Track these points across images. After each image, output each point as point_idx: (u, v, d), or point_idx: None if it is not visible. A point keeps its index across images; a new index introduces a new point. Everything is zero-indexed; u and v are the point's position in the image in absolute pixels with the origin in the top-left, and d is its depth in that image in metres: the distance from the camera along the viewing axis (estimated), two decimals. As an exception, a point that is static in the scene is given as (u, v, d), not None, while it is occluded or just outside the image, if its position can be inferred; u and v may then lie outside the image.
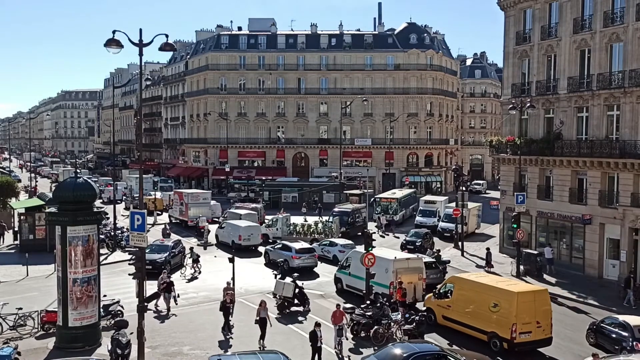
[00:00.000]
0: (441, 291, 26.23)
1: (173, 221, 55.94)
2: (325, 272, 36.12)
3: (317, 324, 21.36)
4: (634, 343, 21.61)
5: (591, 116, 35.49)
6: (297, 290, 27.83)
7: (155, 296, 27.87)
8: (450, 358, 18.73)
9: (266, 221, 48.62)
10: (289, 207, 62.03)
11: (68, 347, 21.99)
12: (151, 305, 27.11)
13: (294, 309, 27.79)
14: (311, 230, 46.38)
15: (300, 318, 26.77)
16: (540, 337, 22.63)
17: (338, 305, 23.34)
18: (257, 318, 23.20)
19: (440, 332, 25.04)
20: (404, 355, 18.25)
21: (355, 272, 30.10)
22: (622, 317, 23.88)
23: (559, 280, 34.67)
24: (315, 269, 36.77)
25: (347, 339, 22.88)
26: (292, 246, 37.32)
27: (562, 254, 37.95)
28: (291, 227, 46.71)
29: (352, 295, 30.30)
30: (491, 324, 22.96)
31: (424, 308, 26.94)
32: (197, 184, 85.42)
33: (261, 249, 42.37)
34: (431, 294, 27.05)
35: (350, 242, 40.80)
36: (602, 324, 23.87)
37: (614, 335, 22.73)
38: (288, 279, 28.60)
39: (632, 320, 23.17)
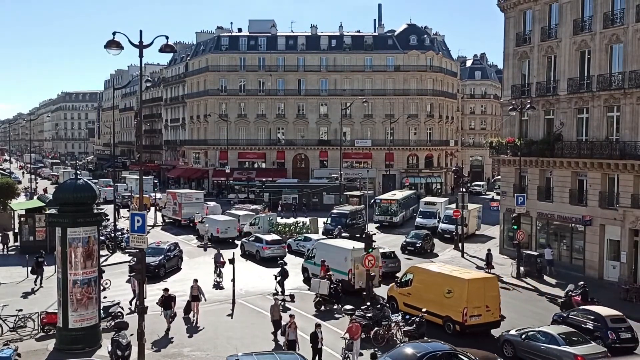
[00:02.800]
0: (402, 280, 28.09)
1: (167, 220, 57.19)
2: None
3: (318, 325, 21.32)
4: (608, 332, 22.72)
5: (591, 117, 35.48)
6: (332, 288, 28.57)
7: (190, 303, 26.70)
8: (461, 356, 19.03)
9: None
10: (288, 208, 62.49)
11: (68, 348, 22.02)
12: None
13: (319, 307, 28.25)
14: (291, 229, 47.39)
15: (337, 315, 26.86)
16: (489, 319, 24.76)
17: (353, 319, 22.22)
18: (285, 341, 21.43)
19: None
20: (418, 354, 18.54)
21: (320, 262, 32.42)
22: (592, 308, 24.90)
23: (559, 281, 34.64)
24: (292, 265, 37.31)
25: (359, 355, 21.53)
26: (263, 238, 41.19)
27: (562, 255, 37.93)
28: (273, 226, 47.68)
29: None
30: (445, 308, 24.85)
31: (387, 296, 28.76)
32: (197, 185, 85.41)
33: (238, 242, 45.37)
34: (393, 283, 28.96)
35: (323, 237, 43.48)
36: (570, 316, 24.76)
37: (583, 326, 23.50)
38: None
39: (603, 310, 24.28)
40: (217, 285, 32.84)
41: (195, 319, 26.26)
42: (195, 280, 27.35)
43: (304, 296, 30.85)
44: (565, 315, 25.17)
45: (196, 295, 26.69)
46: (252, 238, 42.43)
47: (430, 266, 28.75)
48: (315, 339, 20.88)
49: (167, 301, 25.17)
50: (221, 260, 33.90)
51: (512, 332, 23.16)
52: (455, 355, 19.03)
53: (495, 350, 22.50)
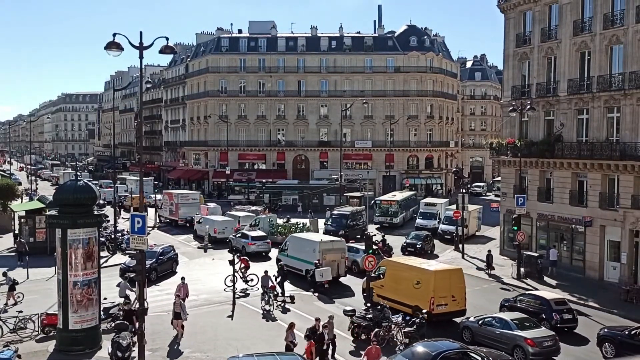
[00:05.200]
0: (375, 273, 29.07)
1: (163, 221, 57.61)
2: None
3: (324, 326, 21.27)
4: (553, 314, 25.18)
5: (591, 118, 35.47)
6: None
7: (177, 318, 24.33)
8: (472, 354, 19.27)
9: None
10: (288, 210, 62.53)
11: (68, 349, 22.01)
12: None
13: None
14: (291, 230, 47.33)
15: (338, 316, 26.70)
16: (455, 308, 26.36)
17: (374, 342, 21.01)
18: (287, 342, 21.11)
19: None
20: (433, 354, 18.78)
21: (292, 253, 35.65)
22: (538, 293, 27.84)
23: (560, 282, 34.63)
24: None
25: None
26: (248, 234, 43.16)
27: (562, 256, 37.85)
28: (273, 227, 47.77)
29: (290, 273, 34.26)
30: (414, 298, 26.26)
31: (362, 288, 29.99)
32: (197, 187, 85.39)
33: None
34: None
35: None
36: (517, 300, 27.15)
37: (531, 309, 25.83)
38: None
39: (547, 294, 27.19)
40: (268, 316, 27.55)
41: (179, 337, 23.94)
42: (178, 296, 25.08)
43: (304, 297, 30.88)
44: (513, 299, 27.52)
45: (178, 313, 24.12)
46: (239, 234, 43.97)
47: (401, 259, 30.65)
48: (321, 339, 20.81)
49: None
50: (270, 284, 29.48)
51: (471, 319, 24.71)
52: (467, 353, 19.26)
53: (455, 336, 23.52)
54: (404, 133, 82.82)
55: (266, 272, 30.40)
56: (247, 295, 31.22)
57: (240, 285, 31.36)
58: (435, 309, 25.68)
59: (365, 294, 28.88)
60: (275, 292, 29.43)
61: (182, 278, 28.49)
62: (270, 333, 24.73)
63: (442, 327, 25.17)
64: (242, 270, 33.45)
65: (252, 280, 32.76)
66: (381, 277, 28.78)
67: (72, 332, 22.16)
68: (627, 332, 22.37)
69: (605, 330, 23.42)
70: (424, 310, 24.67)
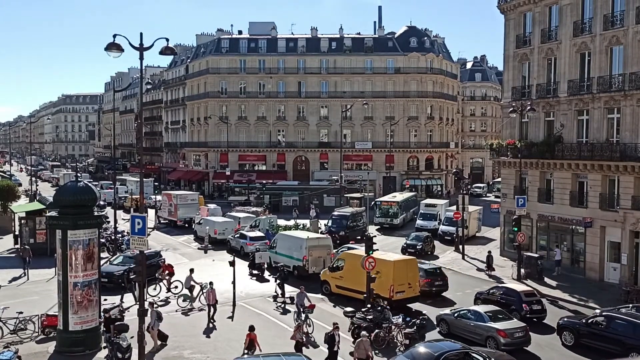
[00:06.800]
0: (334, 266, 31.62)
1: (161, 221, 57.75)
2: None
3: (336, 327, 21.24)
4: (522, 305, 26.67)
5: (591, 119, 35.49)
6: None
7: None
8: (475, 355, 19.36)
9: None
10: (288, 211, 62.54)
11: (69, 351, 22.03)
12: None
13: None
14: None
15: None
16: (411, 295, 28.82)
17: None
18: (295, 341, 21.50)
19: (334, 300, 30.00)
20: (435, 354, 18.90)
21: (280, 250, 37.24)
22: (509, 285, 29.50)
23: (560, 283, 34.63)
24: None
25: None
26: (247, 234, 43.56)
27: (563, 257, 37.85)
28: (273, 228, 47.63)
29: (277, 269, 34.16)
30: (374, 287, 27.46)
31: (321, 281, 32.12)
32: (197, 188, 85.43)
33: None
34: (326, 268, 32.62)
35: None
36: (490, 292, 28.61)
37: (503, 301, 27.30)
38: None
39: (517, 287, 29.00)
40: (308, 341, 23.75)
41: (154, 347, 22.76)
42: (151, 304, 24.06)
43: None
44: (486, 292, 29.01)
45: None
46: (237, 235, 44.36)
47: (359, 252, 31.66)
48: (332, 341, 20.82)
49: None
50: (308, 303, 26.20)
51: (447, 311, 25.99)
52: (469, 354, 19.31)
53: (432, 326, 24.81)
54: (404, 134, 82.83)
55: (302, 287, 27.00)
56: (168, 303, 29.41)
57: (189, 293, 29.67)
58: (395, 295, 27.64)
59: (324, 286, 31.57)
60: (311, 311, 25.93)
61: (210, 283, 27.50)
62: (270, 334, 24.67)
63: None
64: (167, 278, 31.60)
65: (176, 287, 31.12)
66: (339, 269, 30.86)
67: (73, 334, 22.16)
68: (584, 321, 23.89)
69: (565, 319, 24.97)
70: (424, 312, 24.68)
